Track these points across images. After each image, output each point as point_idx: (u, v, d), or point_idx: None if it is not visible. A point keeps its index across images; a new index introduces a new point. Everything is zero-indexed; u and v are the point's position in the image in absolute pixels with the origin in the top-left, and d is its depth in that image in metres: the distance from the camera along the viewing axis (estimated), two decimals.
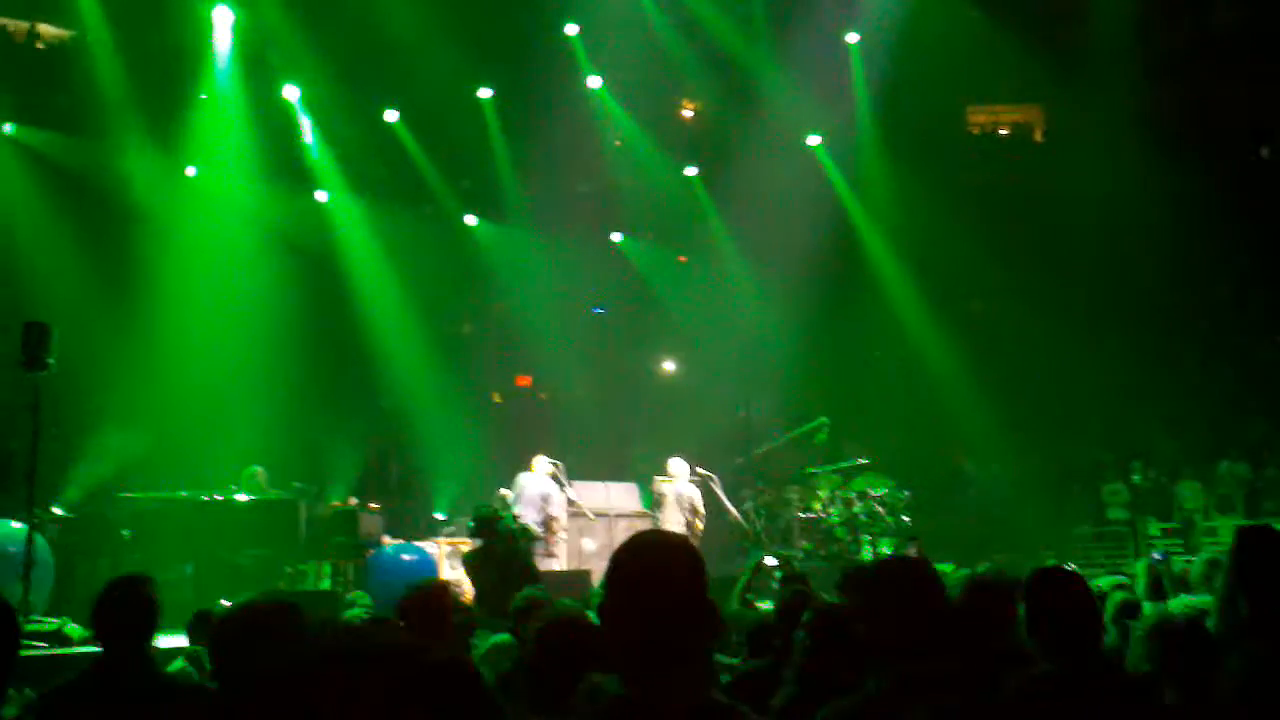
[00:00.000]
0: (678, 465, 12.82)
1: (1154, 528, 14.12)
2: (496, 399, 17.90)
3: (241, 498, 11.22)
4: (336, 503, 12.44)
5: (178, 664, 5.79)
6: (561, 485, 12.61)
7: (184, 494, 11.14)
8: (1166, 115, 15.76)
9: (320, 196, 15.91)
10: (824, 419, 15.01)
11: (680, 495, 12.69)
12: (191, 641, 5.42)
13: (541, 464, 12.27)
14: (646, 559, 2.43)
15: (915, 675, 3.18)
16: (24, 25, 14.95)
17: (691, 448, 13.22)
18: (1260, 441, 15.56)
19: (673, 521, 12.55)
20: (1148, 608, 6.63)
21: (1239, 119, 16.03)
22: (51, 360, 9.32)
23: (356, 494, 13.38)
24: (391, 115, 15.75)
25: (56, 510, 11.36)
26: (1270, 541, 4.38)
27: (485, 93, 16.12)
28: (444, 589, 5.21)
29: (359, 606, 6.22)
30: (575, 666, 3.40)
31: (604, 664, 3.61)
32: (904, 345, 16.92)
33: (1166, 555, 8.02)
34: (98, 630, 4.21)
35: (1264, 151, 17.70)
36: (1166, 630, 4.14)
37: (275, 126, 14.92)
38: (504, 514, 11.25)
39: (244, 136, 14.70)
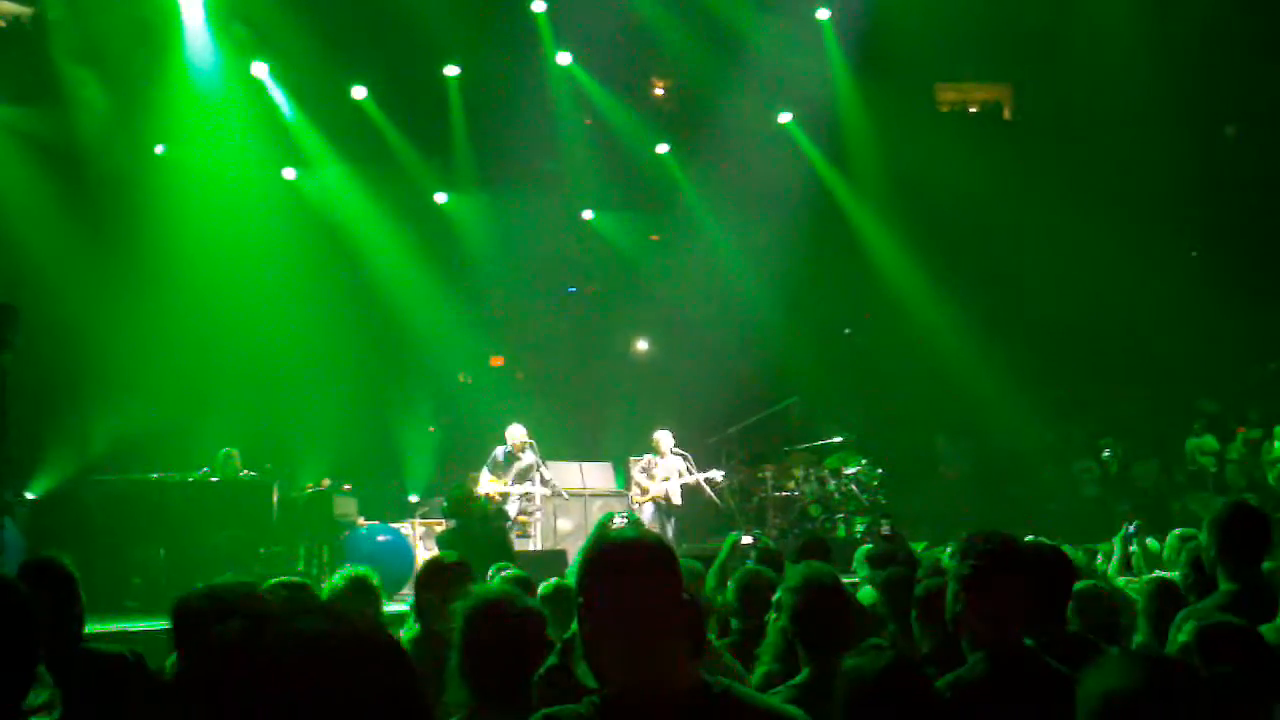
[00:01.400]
0: (663, 437, 12.88)
1: (1124, 504, 14.25)
2: (463, 379, 17.82)
3: (214, 480, 11.18)
4: (310, 484, 12.39)
5: None
6: (536, 464, 12.64)
7: (155, 476, 11.08)
8: (1135, 96, 15.85)
9: (289, 174, 15.77)
10: (793, 398, 15.09)
11: (665, 467, 12.77)
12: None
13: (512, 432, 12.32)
14: (621, 558, 2.44)
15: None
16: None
17: (666, 427, 13.26)
18: (1221, 415, 15.76)
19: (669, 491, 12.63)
20: (1121, 583, 6.71)
21: (1209, 98, 16.13)
22: (17, 342, 9.20)
23: (331, 475, 13.31)
24: (359, 92, 15.58)
25: (29, 495, 11.28)
26: (1250, 518, 4.45)
27: (452, 70, 15.99)
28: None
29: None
30: (512, 652, 3.39)
31: (538, 649, 3.59)
32: (877, 323, 17.00)
33: (1139, 529, 8.08)
34: None
35: (1230, 130, 17.82)
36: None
37: (246, 102, 14.76)
38: (478, 494, 11.27)
39: (215, 112, 14.55)
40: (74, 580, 4.25)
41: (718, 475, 12.93)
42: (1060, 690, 3.16)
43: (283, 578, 4.79)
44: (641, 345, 18.57)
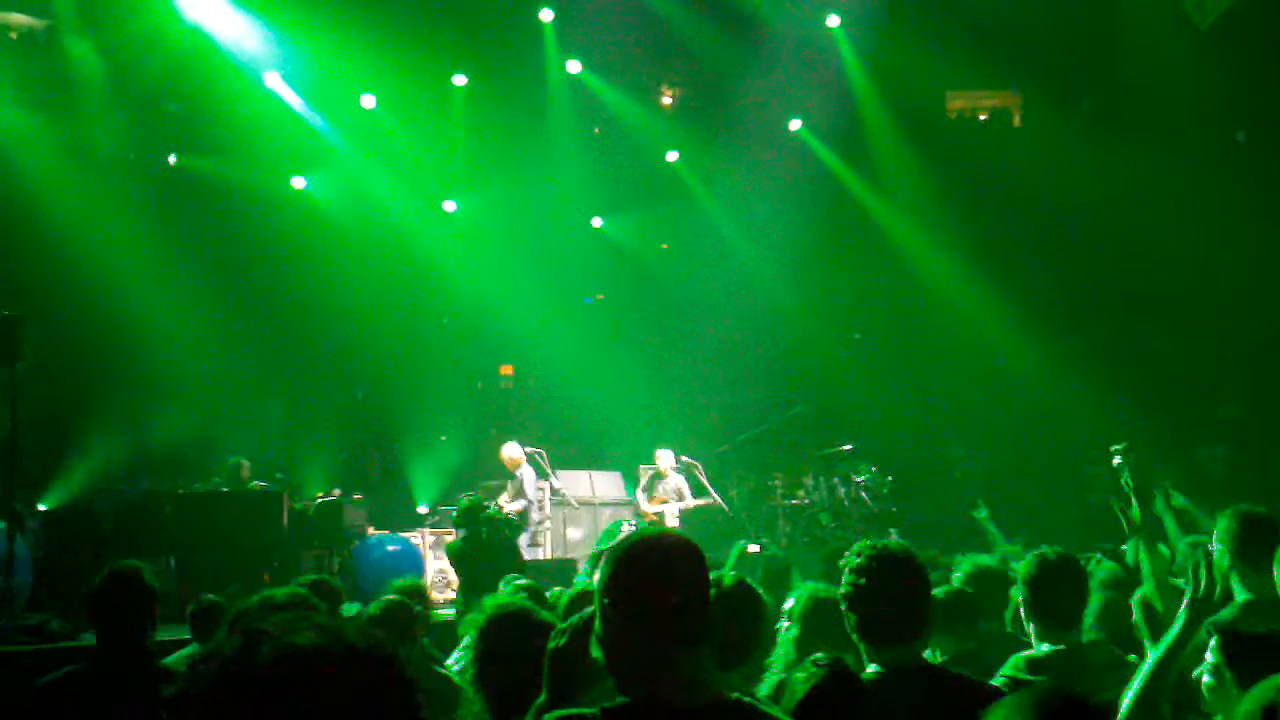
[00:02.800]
0: (664, 456, 12.91)
1: (1135, 511, 14.13)
2: (479, 387, 17.83)
3: (224, 490, 11.20)
4: (320, 494, 12.40)
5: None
6: (545, 474, 12.67)
7: (166, 487, 11.10)
8: (1141, 101, 15.80)
9: (298, 183, 15.78)
10: (800, 405, 15.07)
11: (666, 484, 12.80)
12: None
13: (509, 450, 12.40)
14: (649, 559, 2.42)
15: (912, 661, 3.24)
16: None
17: (675, 435, 13.24)
18: (1236, 422, 15.63)
19: (665, 512, 12.64)
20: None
21: (1217, 103, 16.04)
22: (28, 353, 9.23)
23: (339, 484, 13.33)
24: (368, 101, 15.58)
25: (41, 506, 11.31)
26: (1261, 525, 4.43)
27: (460, 80, 15.99)
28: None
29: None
30: (530, 663, 3.38)
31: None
32: (887, 329, 16.95)
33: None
34: (95, 621, 4.22)
35: (1240, 136, 17.71)
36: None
37: (256, 112, 14.80)
38: (488, 504, 11.26)
39: (228, 122, 14.61)
40: (153, 594, 4.30)
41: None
42: (962, 698, 3.17)
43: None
44: (650, 353, 18.51)
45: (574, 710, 2.42)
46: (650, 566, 2.40)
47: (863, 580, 3.37)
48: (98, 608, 4.30)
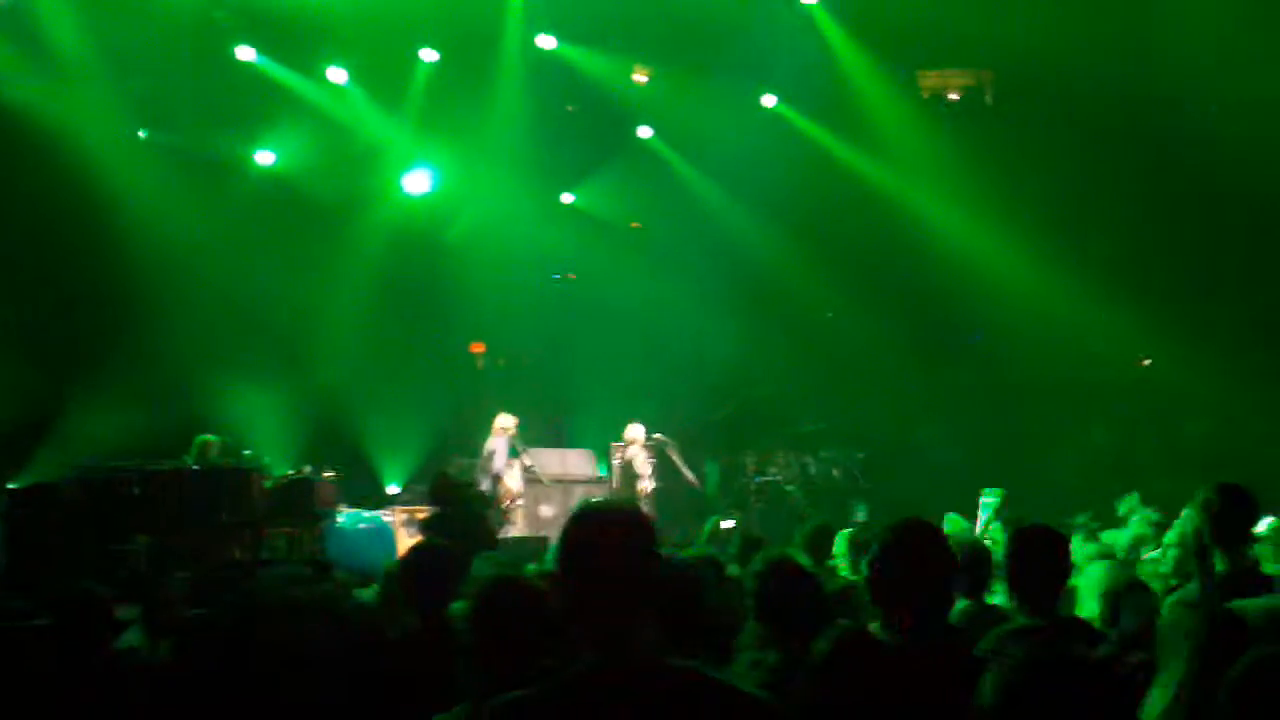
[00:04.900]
0: (634, 430, 12.99)
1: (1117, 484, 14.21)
2: (450, 363, 17.76)
3: (195, 467, 11.12)
4: (291, 471, 12.33)
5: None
6: (517, 451, 12.72)
7: (135, 463, 11.00)
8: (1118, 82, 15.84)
9: (265, 158, 15.62)
10: (774, 384, 15.12)
11: (636, 460, 12.87)
12: None
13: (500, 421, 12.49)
14: (593, 529, 2.47)
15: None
16: None
17: (648, 413, 13.24)
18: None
19: (634, 486, 12.72)
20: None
21: (1190, 87, 16.08)
22: None
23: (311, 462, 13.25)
24: (338, 75, 15.42)
25: (10, 485, 11.21)
26: (1240, 499, 4.47)
27: (430, 55, 15.82)
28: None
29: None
30: (517, 630, 3.38)
31: (545, 627, 3.59)
32: (857, 308, 16.97)
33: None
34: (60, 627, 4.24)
35: (1213, 108, 17.75)
36: None
37: (228, 86, 14.64)
38: (462, 479, 11.26)
39: (200, 97, 14.43)
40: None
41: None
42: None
43: None
44: (621, 330, 18.50)
45: (510, 695, 2.43)
46: (589, 537, 2.45)
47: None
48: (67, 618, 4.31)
